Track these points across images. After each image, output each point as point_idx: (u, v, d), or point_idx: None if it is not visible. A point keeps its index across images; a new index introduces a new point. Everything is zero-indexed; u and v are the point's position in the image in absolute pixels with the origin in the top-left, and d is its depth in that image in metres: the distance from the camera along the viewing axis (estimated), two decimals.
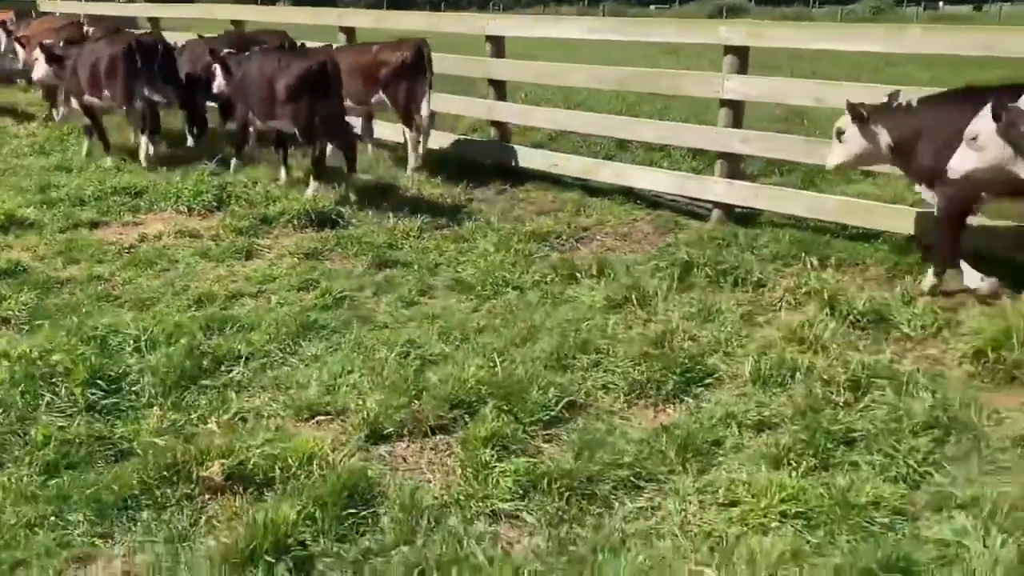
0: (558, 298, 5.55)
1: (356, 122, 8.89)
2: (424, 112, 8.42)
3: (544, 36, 9.21)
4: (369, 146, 9.24)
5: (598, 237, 7.07)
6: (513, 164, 8.65)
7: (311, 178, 7.75)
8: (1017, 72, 6.27)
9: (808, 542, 3.12)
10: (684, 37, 8.14)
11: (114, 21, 13.02)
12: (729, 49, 7.08)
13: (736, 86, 7.00)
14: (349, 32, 10.36)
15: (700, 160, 8.41)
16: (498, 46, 8.91)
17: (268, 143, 8.69)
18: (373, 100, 8.67)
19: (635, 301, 5.28)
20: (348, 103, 8.35)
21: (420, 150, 8.69)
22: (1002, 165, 4.61)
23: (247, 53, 8.37)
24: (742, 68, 7.08)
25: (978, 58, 6.85)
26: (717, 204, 7.25)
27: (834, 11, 58.39)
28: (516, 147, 8.88)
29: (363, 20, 10.71)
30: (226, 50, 8.65)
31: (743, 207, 7.13)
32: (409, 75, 8.38)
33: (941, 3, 72.41)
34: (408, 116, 8.51)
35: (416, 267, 6.25)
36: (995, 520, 3.13)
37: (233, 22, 11.94)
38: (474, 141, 9.47)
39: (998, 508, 3.20)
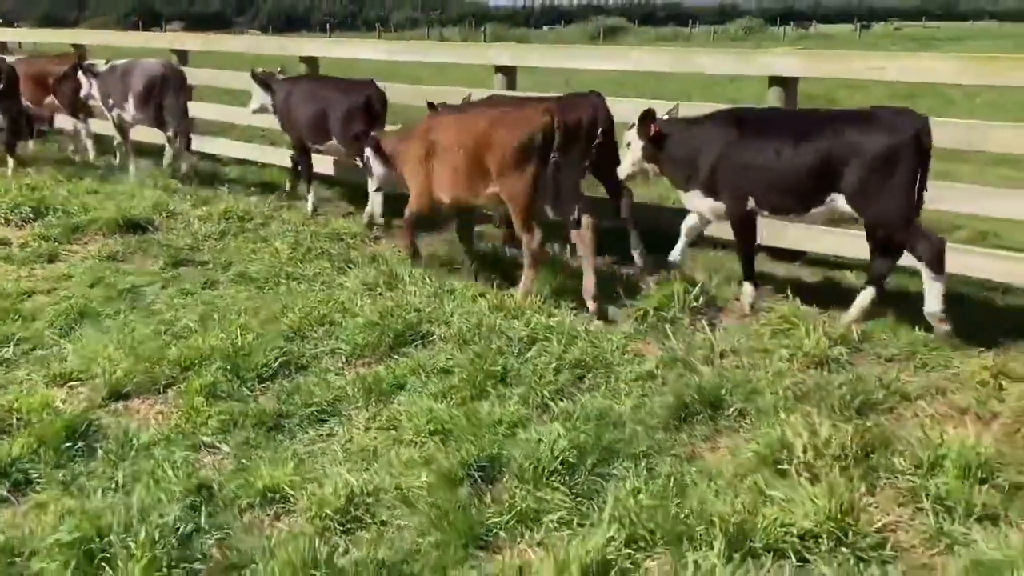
0: (329, 286, 6.35)
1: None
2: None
3: (353, 57, 10.08)
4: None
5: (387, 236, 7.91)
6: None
7: None
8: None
9: (440, 450, 3.99)
10: (460, 58, 9.12)
11: None
12: (499, 68, 8.08)
13: None
14: (181, 55, 11.01)
15: None
16: (312, 66, 9.73)
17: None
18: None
19: (383, 284, 6.12)
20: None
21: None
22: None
23: None
24: (511, 85, 8.08)
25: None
26: None
27: (709, 31, 61.53)
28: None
29: (193, 43, 11.38)
30: None
31: None
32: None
33: (814, 23, 76.84)
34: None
35: (211, 265, 6.96)
36: (580, 426, 4.08)
37: (74, 46, 12.43)
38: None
39: (587, 415, 4.17)
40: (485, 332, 5.23)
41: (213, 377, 4.58)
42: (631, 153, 6.10)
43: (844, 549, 3.28)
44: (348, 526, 3.49)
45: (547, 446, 3.84)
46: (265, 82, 8.32)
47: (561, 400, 4.47)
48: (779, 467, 3.83)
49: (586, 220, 5.82)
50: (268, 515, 3.62)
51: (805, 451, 3.90)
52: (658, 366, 4.91)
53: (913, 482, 3.73)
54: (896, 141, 5.08)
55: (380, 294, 6.00)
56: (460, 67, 9.64)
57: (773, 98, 6.61)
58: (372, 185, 7.39)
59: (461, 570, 3.26)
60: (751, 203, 5.61)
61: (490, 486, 3.75)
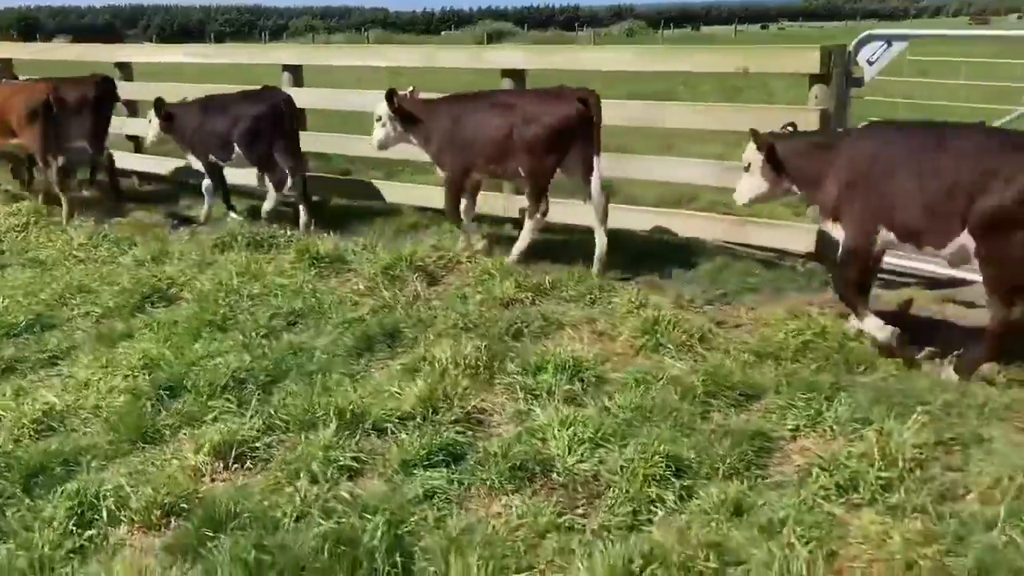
0: (107, 264, 7.08)
1: None
2: None
3: (159, 60, 10.88)
4: None
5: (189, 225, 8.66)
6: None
7: None
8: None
9: (145, 380, 4.82)
10: (251, 59, 9.98)
11: None
12: (286, 67, 8.95)
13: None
14: (6, 62, 11.49)
15: None
16: (126, 72, 10.41)
17: None
18: None
19: (151, 260, 6.92)
20: None
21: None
22: None
23: None
24: (297, 82, 8.96)
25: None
26: None
27: (599, 32, 63.42)
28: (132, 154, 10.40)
29: (21, 52, 11.91)
30: None
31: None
32: None
33: (701, 25, 79.96)
34: None
35: (8, 253, 7.62)
36: (268, 354, 4.97)
37: None
38: None
39: (281, 348, 5.07)
40: (224, 292, 6.08)
41: None
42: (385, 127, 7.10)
43: (430, 424, 4.25)
44: (42, 433, 4.30)
45: (225, 368, 4.73)
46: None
47: (265, 339, 5.35)
48: (416, 374, 4.79)
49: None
50: None
51: (443, 363, 4.88)
52: (369, 312, 5.83)
53: (518, 379, 4.74)
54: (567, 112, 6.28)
55: (145, 267, 6.79)
56: (254, 67, 10.39)
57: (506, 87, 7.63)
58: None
59: (127, 458, 4.11)
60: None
61: (175, 401, 4.60)
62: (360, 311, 5.86)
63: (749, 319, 5.71)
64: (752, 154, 5.40)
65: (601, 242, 6.45)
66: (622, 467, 3.82)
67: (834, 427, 4.16)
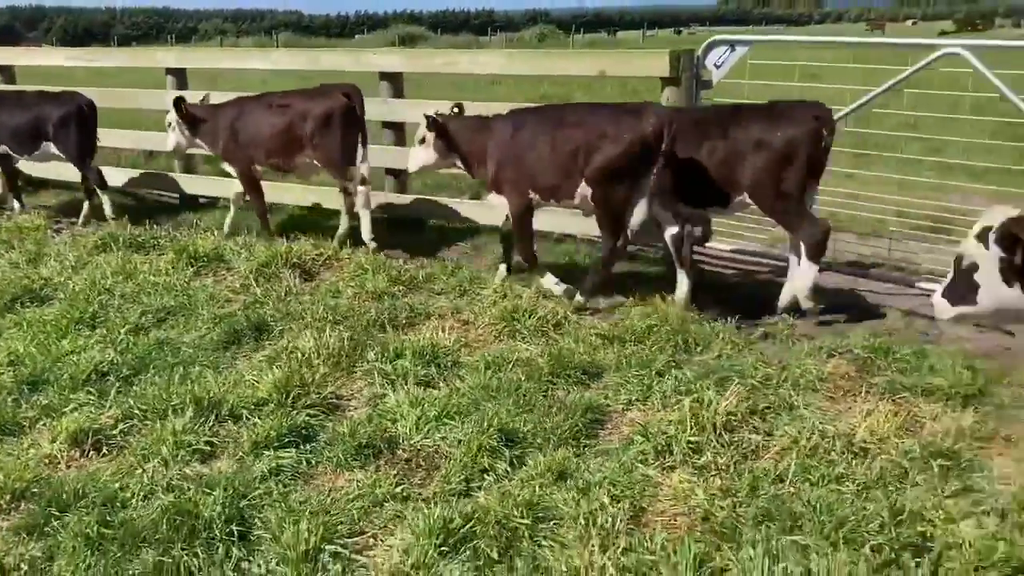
0: None
1: None
2: None
3: (41, 64, 10.81)
4: None
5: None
6: None
7: None
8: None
9: (11, 376, 4.91)
10: (134, 62, 10.05)
11: None
12: (169, 71, 9.04)
13: None
14: None
15: None
16: (7, 75, 10.30)
17: None
18: None
19: (27, 262, 6.95)
20: None
21: None
22: None
23: None
24: (182, 85, 9.03)
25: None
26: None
27: (512, 36, 64.06)
28: None
29: None
30: None
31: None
32: None
33: (612, 29, 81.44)
34: None
35: None
36: (132, 348, 5.11)
37: None
38: None
39: (148, 343, 5.22)
40: (96, 292, 6.17)
41: None
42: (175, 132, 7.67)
43: (285, 409, 4.47)
44: None
45: (87, 363, 4.86)
46: None
47: (133, 336, 5.48)
48: (277, 364, 4.99)
49: None
50: None
51: (306, 353, 5.10)
52: (240, 308, 6.00)
53: (376, 366, 5.00)
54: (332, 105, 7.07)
55: (20, 268, 6.81)
56: (137, 70, 10.42)
57: (383, 91, 7.87)
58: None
59: None
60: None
61: (36, 394, 4.71)
62: (232, 307, 6.03)
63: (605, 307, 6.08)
64: (425, 131, 6.31)
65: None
66: (459, 441, 4.12)
67: (660, 399, 4.54)
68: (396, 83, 7.84)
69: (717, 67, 6.65)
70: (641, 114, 5.66)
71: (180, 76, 8.99)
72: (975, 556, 3.22)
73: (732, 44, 6.62)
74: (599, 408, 4.55)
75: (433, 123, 6.27)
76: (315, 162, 7.28)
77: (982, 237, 3.85)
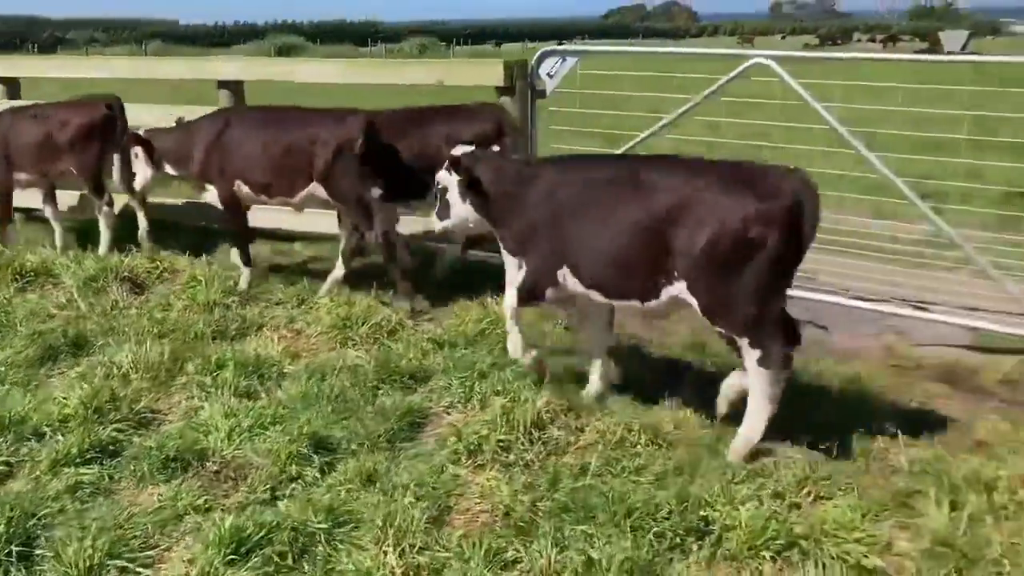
0: None
1: None
2: None
3: None
4: None
5: None
6: None
7: None
8: None
9: None
10: None
11: None
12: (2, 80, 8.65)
13: None
14: None
15: None
16: None
17: None
18: None
19: None
20: None
21: None
22: None
23: None
24: (13, 95, 8.66)
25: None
26: None
27: (390, 47, 63.75)
28: None
29: None
30: None
31: None
32: None
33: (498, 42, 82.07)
34: None
35: None
36: None
37: None
38: None
39: None
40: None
41: None
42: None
43: (90, 425, 4.33)
44: None
45: None
46: None
47: None
48: (88, 380, 4.82)
49: None
50: None
51: (122, 367, 4.97)
52: (61, 324, 5.78)
53: (195, 378, 4.91)
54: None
55: None
56: None
57: (223, 99, 7.73)
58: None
59: None
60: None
61: None
62: (53, 323, 5.81)
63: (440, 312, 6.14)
64: (137, 148, 6.72)
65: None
66: (268, 450, 4.08)
67: (479, 401, 4.61)
68: (237, 92, 7.71)
69: (550, 77, 6.82)
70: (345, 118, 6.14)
71: (13, 86, 8.60)
72: (749, 535, 3.40)
73: (563, 55, 6.81)
74: (421, 411, 4.60)
75: (135, 139, 6.74)
76: (73, 171, 7.37)
77: (448, 167, 4.78)
